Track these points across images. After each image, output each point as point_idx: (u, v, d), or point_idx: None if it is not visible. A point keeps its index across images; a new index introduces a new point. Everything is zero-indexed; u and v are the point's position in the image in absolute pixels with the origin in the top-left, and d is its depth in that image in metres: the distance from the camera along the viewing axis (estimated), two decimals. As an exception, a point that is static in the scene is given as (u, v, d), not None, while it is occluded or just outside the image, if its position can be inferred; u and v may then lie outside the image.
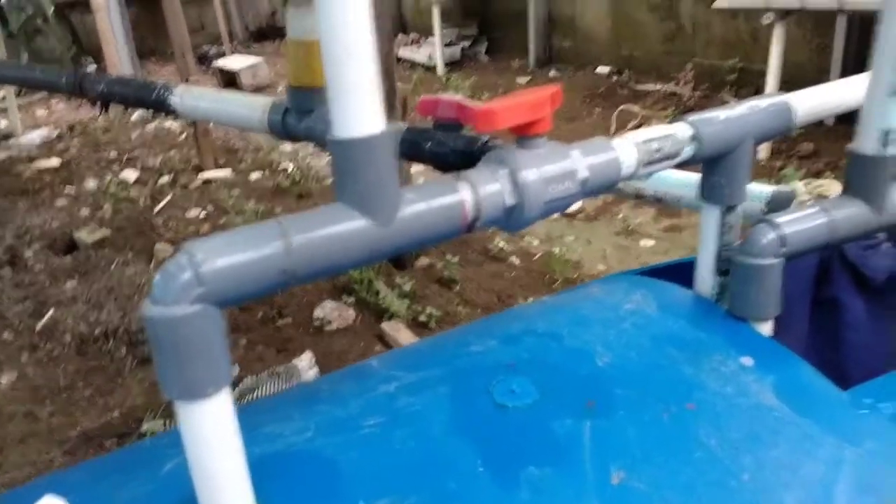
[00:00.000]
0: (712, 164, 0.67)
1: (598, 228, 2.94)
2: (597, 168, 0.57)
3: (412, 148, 1.07)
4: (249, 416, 0.62)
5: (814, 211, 0.67)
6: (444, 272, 2.52)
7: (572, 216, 3.10)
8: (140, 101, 1.46)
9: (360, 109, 0.47)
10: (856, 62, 3.10)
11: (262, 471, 0.52)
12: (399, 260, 2.54)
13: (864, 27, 3.13)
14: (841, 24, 3.17)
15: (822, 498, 0.53)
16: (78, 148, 4.32)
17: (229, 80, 5.53)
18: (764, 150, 3.18)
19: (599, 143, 0.59)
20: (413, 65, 5.44)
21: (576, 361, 0.64)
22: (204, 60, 6.14)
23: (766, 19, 2.90)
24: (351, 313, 2.29)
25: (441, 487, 0.52)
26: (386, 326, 2.21)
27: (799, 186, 0.89)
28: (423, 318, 2.26)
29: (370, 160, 0.47)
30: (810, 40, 3.41)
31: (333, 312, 2.29)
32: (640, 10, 4.35)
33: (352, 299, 2.35)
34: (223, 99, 1.37)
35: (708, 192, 0.69)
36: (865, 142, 0.66)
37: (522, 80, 4.86)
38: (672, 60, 4.14)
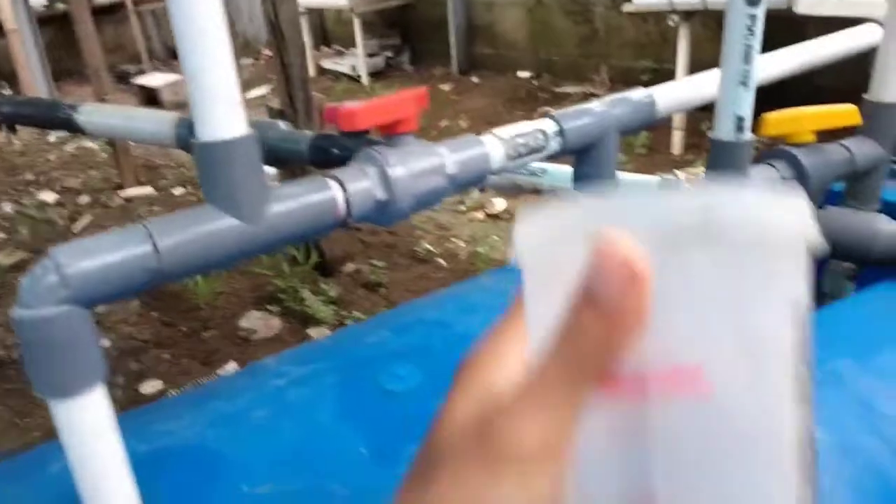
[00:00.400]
0: (581, 157, 0.71)
1: (521, 228, 3.00)
2: (464, 163, 0.61)
3: (319, 153, 1.10)
4: (139, 416, 0.64)
5: (675, 196, 0.72)
6: (370, 276, 2.54)
7: (497, 216, 3.16)
8: (47, 121, 1.44)
9: (220, 114, 0.49)
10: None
11: (148, 466, 0.54)
12: (325, 267, 2.55)
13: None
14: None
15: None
16: (-10, 171, 4.18)
17: (150, 98, 5.42)
18: (677, 147, 3.31)
19: (467, 139, 0.62)
20: (338, 76, 5.45)
21: (461, 346, 0.67)
22: (124, 79, 6.01)
23: (672, 21, 3.02)
24: (276, 322, 2.29)
25: (324, 470, 0.55)
26: (312, 333, 2.21)
27: (681, 174, 0.95)
28: (349, 322, 2.27)
29: (233, 161, 0.50)
30: (714, 39, 3.55)
31: (258, 322, 2.28)
32: (556, 16, 4.46)
33: (277, 308, 2.35)
34: (130, 115, 1.37)
35: (579, 182, 0.73)
36: (722, 129, 0.72)
37: (446, 86, 4.92)
38: (588, 63, 4.27)
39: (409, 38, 5.56)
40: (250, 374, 0.69)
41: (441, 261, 2.76)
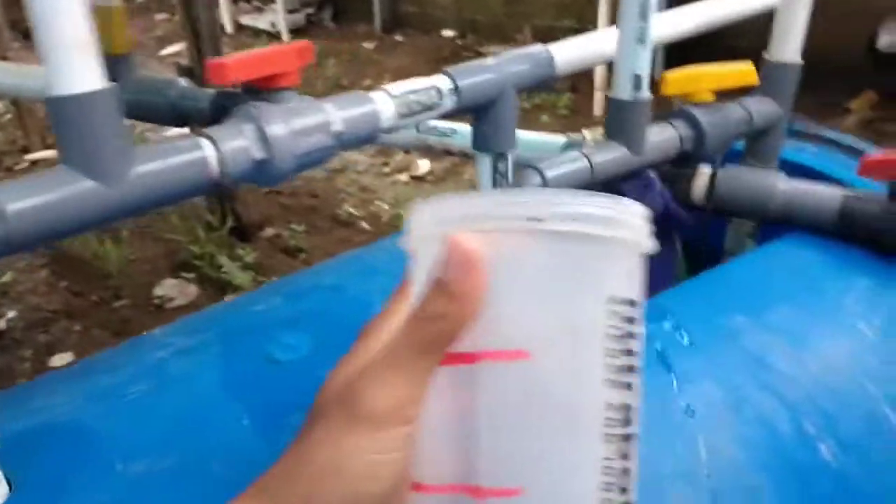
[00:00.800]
0: (479, 114, 0.69)
1: (446, 189, 2.99)
2: (352, 120, 0.58)
3: (221, 111, 1.05)
4: (15, 394, 0.60)
5: (575, 155, 0.71)
6: (290, 241, 2.49)
7: (421, 178, 3.14)
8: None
9: (74, 66, 0.45)
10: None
11: (18, 447, 0.50)
12: (242, 231, 2.48)
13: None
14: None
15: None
16: None
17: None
18: (599, 108, 3.34)
19: (355, 96, 0.60)
20: (257, 32, 5.27)
21: (355, 312, 0.65)
22: (29, 36, 5.67)
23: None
24: (193, 289, 2.22)
25: (204, 442, 0.52)
26: (230, 299, 2.15)
27: (587, 134, 0.94)
28: (268, 289, 2.23)
29: (90, 118, 0.46)
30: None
31: (174, 289, 2.21)
32: (481, -27, 4.41)
33: (192, 275, 2.28)
34: (24, 73, 1.28)
35: (478, 141, 0.71)
36: (620, 88, 0.71)
37: (369, 45, 4.82)
38: (512, 23, 4.24)
39: (331, -5, 5.41)
40: (132, 346, 0.65)
41: (364, 224, 2.72)
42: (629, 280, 0.29)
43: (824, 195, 0.78)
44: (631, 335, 0.29)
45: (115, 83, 0.47)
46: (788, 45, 0.79)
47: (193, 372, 0.59)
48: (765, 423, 0.60)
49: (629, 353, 0.29)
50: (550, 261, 0.28)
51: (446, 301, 0.28)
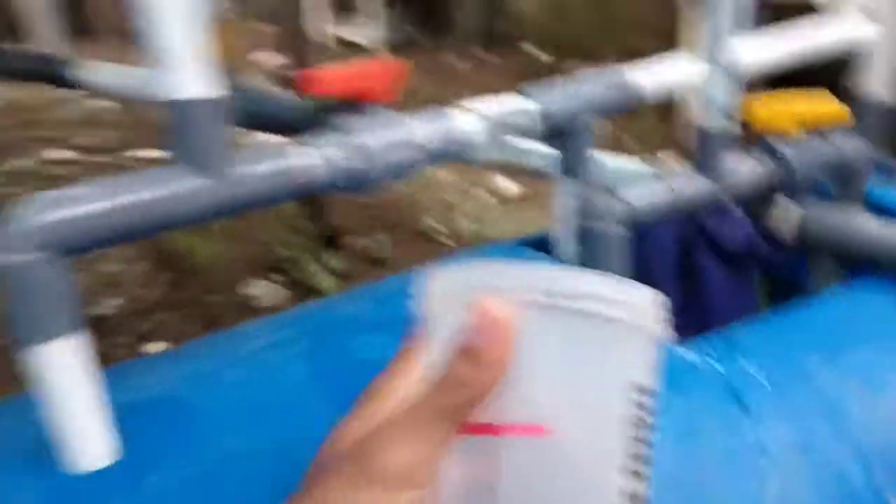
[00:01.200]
0: (559, 138, 0.72)
1: (529, 210, 3.00)
2: (442, 136, 0.61)
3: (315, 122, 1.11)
4: (121, 371, 0.65)
5: (657, 181, 0.72)
6: (375, 251, 2.56)
7: (504, 196, 3.16)
8: (49, 77, 1.45)
9: (194, 73, 0.50)
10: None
11: (124, 418, 0.55)
12: (330, 239, 2.56)
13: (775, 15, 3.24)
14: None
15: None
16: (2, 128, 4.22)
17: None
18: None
19: (444, 114, 0.63)
20: (356, 47, 5.43)
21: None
22: (86, 30, 5.94)
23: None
24: (281, 291, 2.31)
25: (290, 429, 0.56)
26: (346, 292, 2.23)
27: (665, 158, 0.95)
28: (351, 296, 2.29)
29: (205, 121, 0.50)
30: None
31: (263, 290, 2.31)
32: (579, -4, 4.42)
33: (281, 278, 2.37)
34: (131, 74, 1.38)
35: (560, 164, 0.73)
36: (706, 117, 0.72)
37: (463, 63, 4.90)
38: (604, 45, 4.23)
39: (430, 13, 5.52)
40: (227, 337, 0.70)
41: (446, 239, 2.77)
42: (649, 369, 0.29)
43: (914, 237, 0.76)
44: (647, 424, 0.29)
45: (224, 92, 0.51)
46: (879, 83, 0.78)
47: (284, 363, 0.63)
48: (835, 469, 0.59)
49: (645, 441, 0.29)
50: (575, 338, 0.28)
51: (473, 367, 0.28)
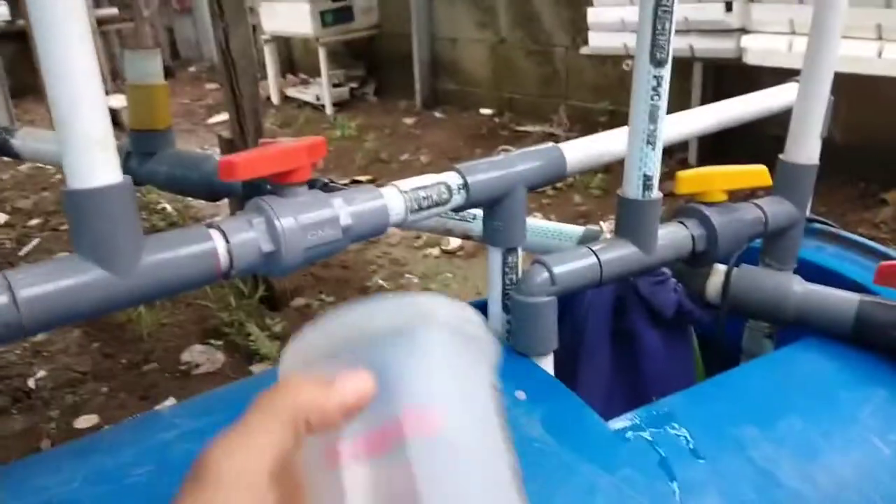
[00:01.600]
0: (489, 209, 0.71)
1: (476, 265, 3.00)
2: (361, 216, 0.60)
3: (254, 190, 1.08)
4: (17, 470, 0.60)
5: (584, 252, 0.71)
6: (319, 311, 2.51)
7: (452, 253, 3.16)
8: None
9: (91, 161, 0.47)
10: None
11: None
12: (273, 300, 2.51)
13: (717, 73, 3.37)
14: (697, 71, 3.39)
15: (573, 524, 0.56)
16: (-63, 189, 4.08)
17: (112, 119, 5.35)
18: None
19: (365, 191, 0.61)
20: (302, 104, 5.45)
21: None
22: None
23: (626, 66, 3.08)
24: (220, 356, 2.25)
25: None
26: (255, 370, 2.17)
27: (605, 226, 0.95)
28: (293, 360, 2.23)
29: (104, 211, 0.48)
30: (672, 85, 3.62)
31: (202, 356, 2.24)
32: (519, 55, 4.52)
33: (220, 342, 2.30)
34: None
35: (489, 235, 0.72)
36: (629, 187, 0.72)
37: (409, 120, 4.95)
38: (548, 103, 4.32)
39: (374, 70, 5.59)
40: (140, 424, 0.66)
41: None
42: (492, 368, 0.39)
43: (840, 300, 0.77)
44: (504, 414, 0.37)
45: (128, 177, 0.49)
46: (804, 146, 0.80)
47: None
48: (770, 540, 0.58)
49: (505, 428, 0.36)
50: (457, 352, 0.36)
51: (319, 389, 0.35)
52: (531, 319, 0.69)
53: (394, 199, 0.62)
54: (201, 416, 0.65)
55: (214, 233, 0.53)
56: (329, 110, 5.18)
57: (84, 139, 0.47)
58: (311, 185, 0.60)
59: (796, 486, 0.62)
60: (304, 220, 0.56)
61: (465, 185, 0.66)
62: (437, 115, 5.02)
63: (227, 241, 0.53)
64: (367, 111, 5.22)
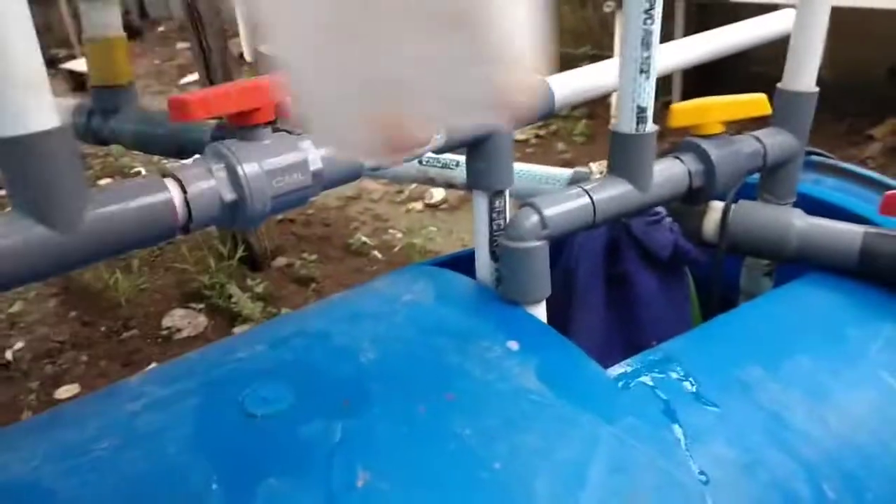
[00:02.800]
0: (473, 150, 0.66)
1: (460, 218, 2.95)
2: (333, 159, 0.54)
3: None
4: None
5: (576, 192, 0.67)
6: (301, 271, 2.46)
7: (435, 207, 3.10)
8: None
9: (23, 105, 0.42)
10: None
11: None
12: (254, 261, 2.45)
13: (700, 13, 3.29)
14: (679, 10, 3.32)
15: (573, 479, 0.53)
16: None
17: (79, 83, 5.21)
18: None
19: (337, 131, 0.56)
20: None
21: (340, 361, 0.61)
22: (53, 64, 5.80)
23: (608, 7, 2.99)
24: (202, 320, 2.19)
25: (167, 510, 0.48)
26: (238, 332, 2.12)
27: (594, 167, 0.91)
28: (278, 320, 2.19)
29: (40, 160, 0.42)
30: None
31: (183, 320, 2.19)
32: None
33: (202, 306, 2.25)
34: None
35: (473, 178, 0.68)
36: (622, 120, 0.67)
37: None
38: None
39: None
40: (106, 396, 0.62)
41: (377, 253, 2.69)
42: None
43: (844, 233, 0.73)
44: None
45: (67, 123, 0.44)
46: (803, 74, 0.75)
47: (164, 428, 0.55)
48: (781, 487, 0.55)
49: None
50: None
51: None
52: (522, 266, 0.65)
53: (368, 139, 0.57)
54: (170, 384, 0.60)
55: (170, 182, 0.48)
56: (303, 65, 5.05)
57: (13, 81, 0.41)
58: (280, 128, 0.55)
59: (806, 427, 0.59)
60: (270, 165, 0.51)
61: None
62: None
63: (185, 191, 0.48)
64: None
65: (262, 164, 0.50)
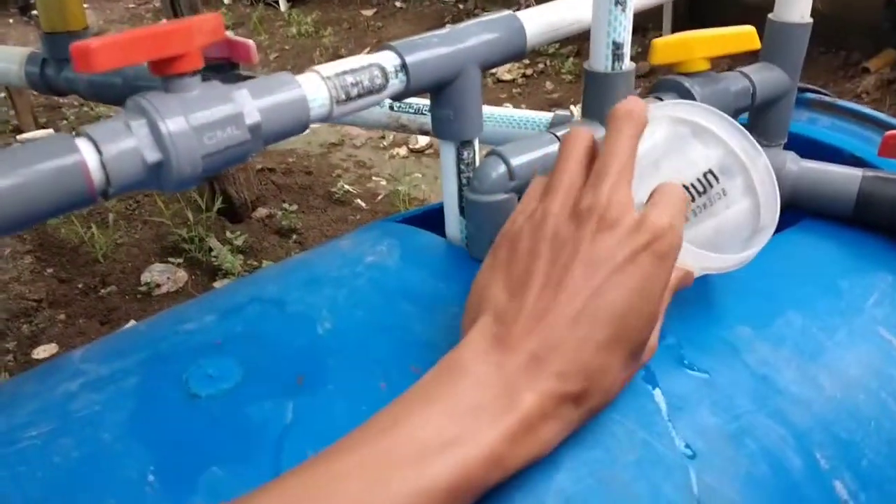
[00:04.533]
0: (437, 96, 0.60)
1: (445, 163, 2.88)
2: (273, 110, 0.49)
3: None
4: None
5: (546, 139, 0.61)
6: (282, 222, 2.40)
7: (420, 152, 3.03)
8: None
9: None
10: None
11: None
12: (233, 212, 2.39)
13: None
14: (668, -60, 3.19)
15: (546, 457, 0.49)
16: None
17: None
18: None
19: (279, 79, 0.50)
20: (254, 2, 5.14)
21: (294, 332, 0.57)
22: (26, 10, 5.63)
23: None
24: (182, 275, 2.15)
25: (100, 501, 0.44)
26: (218, 286, 2.08)
27: (575, 110, 0.85)
28: (259, 273, 2.15)
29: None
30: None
31: (162, 276, 2.14)
32: (480, -67, 4.24)
33: (181, 260, 2.20)
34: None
35: (438, 126, 0.62)
36: (596, 58, 0.61)
37: (368, 12, 4.69)
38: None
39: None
40: (44, 372, 0.57)
41: (360, 201, 2.63)
42: None
43: (840, 176, 0.68)
44: None
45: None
46: (796, 3, 0.69)
47: (101, 411, 0.50)
48: (771, 457, 0.51)
49: None
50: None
51: None
52: (488, 221, 0.60)
53: (314, 87, 0.51)
54: (112, 360, 0.56)
55: (82, 142, 0.42)
56: (283, 6, 4.89)
57: None
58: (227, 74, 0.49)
59: (797, 390, 0.55)
60: (198, 119, 0.45)
61: (404, 67, 0.55)
62: (398, 4, 4.75)
63: (100, 153, 0.42)
64: (323, 5, 4.93)
65: (188, 118, 0.45)
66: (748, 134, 0.54)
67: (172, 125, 0.44)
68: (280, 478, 0.36)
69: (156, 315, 0.65)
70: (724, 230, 0.58)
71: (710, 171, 0.55)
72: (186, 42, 0.45)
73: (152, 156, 0.44)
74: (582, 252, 0.40)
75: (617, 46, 0.58)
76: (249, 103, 0.47)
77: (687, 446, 0.50)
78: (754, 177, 0.55)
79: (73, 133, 0.43)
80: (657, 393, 0.53)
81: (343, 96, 0.52)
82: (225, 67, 0.89)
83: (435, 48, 0.56)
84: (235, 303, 0.61)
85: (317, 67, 0.52)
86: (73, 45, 0.40)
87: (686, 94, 0.64)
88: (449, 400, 0.38)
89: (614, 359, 0.41)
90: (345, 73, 0.53)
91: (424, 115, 0.92)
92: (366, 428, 0.39)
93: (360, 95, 0.53)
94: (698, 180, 0.55)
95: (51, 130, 3.45)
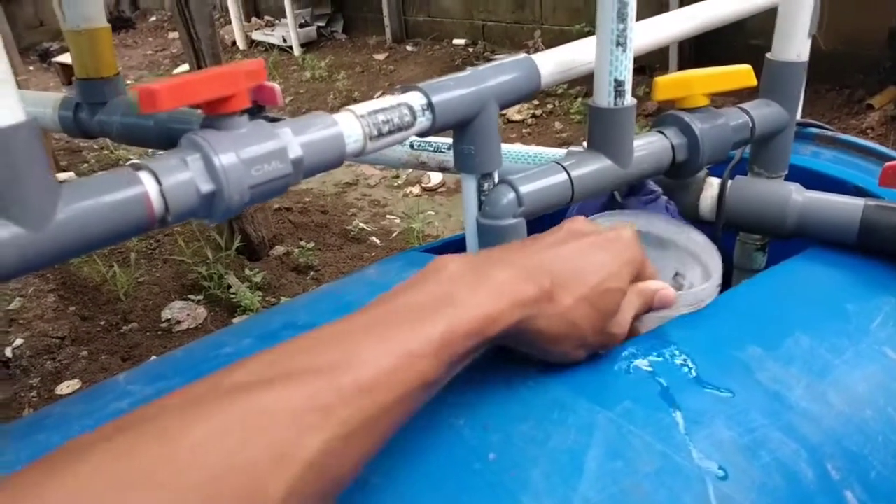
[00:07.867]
0: (459, 133, 0.64)
1: (458, 201, 2.94)
2: (314, 145, 0.53)
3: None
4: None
5: (553, 168, 0.65)
6: (300, 259, 2.45)
7: (433, 191, 3.09)
8: None
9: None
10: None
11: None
12: (251, 250, 2.44)
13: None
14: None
15: (570, 467, 0.52)
16: None
17: (71, 76, 5.19)
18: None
19: (316, 118, 0.54)
20: (269, 48, 5.27)
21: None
22: (46, 57, 5.78)
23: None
24: (201, 312, 2.19)
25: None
26: (238, 322, 2.12)
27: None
28: (277, 309, 2.18)
29: (7, 156, 0.41)
30: (648, 2, 3.50)
31: (182, 313, 2.18)
32: (489, -21, 4.36)
33: (200, 297, 2.24)
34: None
35: (460, 161, 0.66)
36: (599, 95, 0.65)
37: (380, 56, 4.80)
38: (522, 29, 4.19)
39: (341, 7, 5.40)
40: (94, 394, 0.60)
41: (375, 239, 2.68)
42: None
43: (843, 205, 0.71)
44: None
45: (32, 118, 0.42)
46: (793, 42, 0.73)
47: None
48: (785, 469, 0.53)
49: None
50: None
51: None
52: (499, 244, 0.63)
53: (350, 124, 0.55)
54: (157, 381, 0.59)
55: (144, 175, 0.47)
56: (297, 52, 5.02)
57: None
58: (255, 115, 0.54)
59: (808, 406, 0.58)
60: (248, 154, 0.49)
61: (430, 106, 0.59)
62: (409, 48, 4.86)
63: (160, 184, 0.47)
64: (337, 50, 5.06)
65: (238, 153, 0.49)
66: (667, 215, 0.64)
67: (225, 159, 0.48)
68: (300, 336, 0.44)
69: (193, 342, 0.68)
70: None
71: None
72: (235, 84, 0.49)
73: (206, 186, 0.48)
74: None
75: (619, 84, 0.62)
76: (292, 139, 0.52)
77: (704, 461, 0.53)
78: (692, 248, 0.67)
79: (129, 165, 0.48)
80: (674, 409, 0.56)
81: (375, 133, 0.57)
82: (253, 110, 0.95)
83: (458, 88, 0.61)
84: (270, 329, 0.65)
85: (351, 107, 0.57)
86: (138, 87, 0.45)
87: (686, 128, 0.69)
88: (432, 281, 0.48)
89: (579, 287, 0.51)
90: (376, 111, 0.57)
91: (443, 152, 0.96)
92: (368, 305, 0.49)
93: (390, 132, 0.58)
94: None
95: (72, 174, 3.53)
